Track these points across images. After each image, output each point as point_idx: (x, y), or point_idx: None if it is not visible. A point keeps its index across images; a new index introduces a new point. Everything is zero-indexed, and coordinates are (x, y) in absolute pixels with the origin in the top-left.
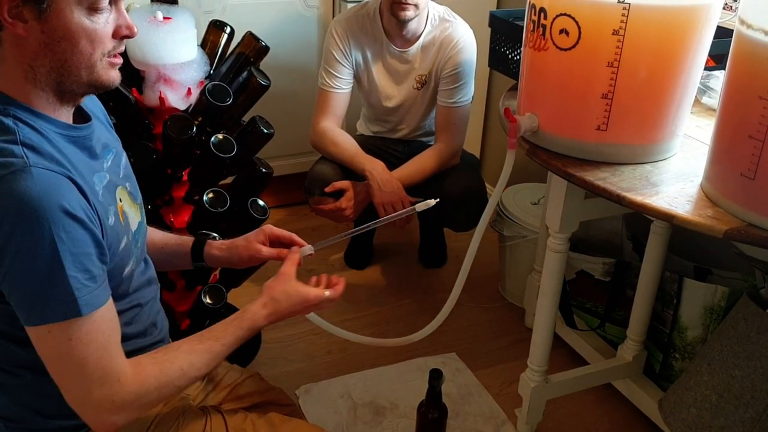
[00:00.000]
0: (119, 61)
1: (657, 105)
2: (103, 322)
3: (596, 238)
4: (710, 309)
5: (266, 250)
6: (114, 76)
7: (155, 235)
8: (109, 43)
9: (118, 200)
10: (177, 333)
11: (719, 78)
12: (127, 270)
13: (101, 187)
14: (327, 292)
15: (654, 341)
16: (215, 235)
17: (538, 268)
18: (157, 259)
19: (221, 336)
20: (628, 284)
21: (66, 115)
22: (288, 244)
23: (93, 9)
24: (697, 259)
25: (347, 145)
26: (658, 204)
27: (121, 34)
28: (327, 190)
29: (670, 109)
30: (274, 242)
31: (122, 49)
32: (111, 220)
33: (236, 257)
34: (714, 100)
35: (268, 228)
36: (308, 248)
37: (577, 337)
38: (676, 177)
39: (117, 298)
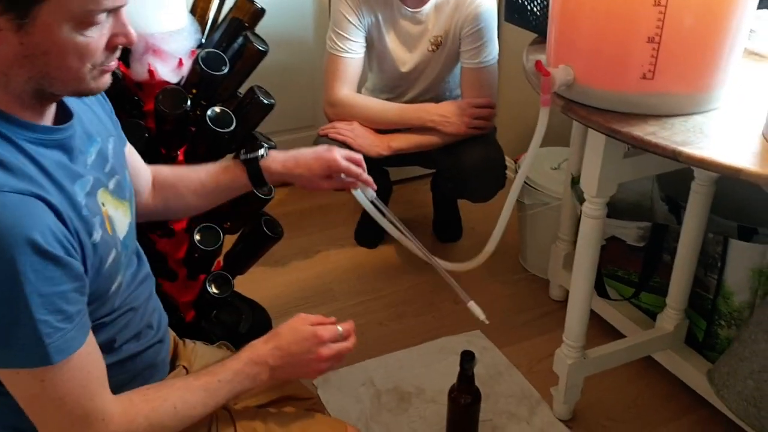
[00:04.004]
0: (113, 66)
1: (710, 48)
2: (81, 360)
3: (625, 201)
4: (759, 271)
5: (327, 184)
6: (105, 82)
7: (189, 174)
8: (102, 56)
9: (101, 205)
10: (182, 325)
11: (763, 20)
12: (115, 286)
13: (84, 195)
14: (340, 327)
15: (696, 309)
16: (261, 153)
17: (562, 236)
18: (198, 204)
19: (218, 371)
20: (665, 249)
21: (47, 114)
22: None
23: (86, 24)
24: (739, 218)
25: (387, 105)
26: (721, 158)
27: (116, 44)
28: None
29: (723, 53)
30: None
31: (116, 58)
32: (97, 235)
33: (297, 183)
34: (756, 43)
35: (334, 162)
36: (371, 193)
37: (609, 308)
38: (732, 127)
39: (103, 314)
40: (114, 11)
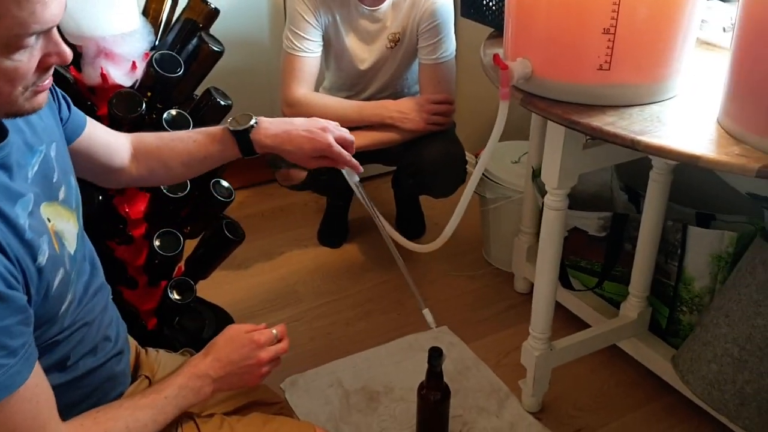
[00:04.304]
0: (48, 85)
1: (664, 38)
2: (28, 392)
3: (585, 192)
4: (717, 257)
5: (314, 163)
6: (40, 101)
7: (176, 144)
8: (34, 77)
9: (47, 221)
10: (144, 334)
11: (713, 10)
12: (65, 305)
13: (27, 216)
14: (274, 330)
15: (658, 296)
16: (252, 124)
17: (525, 229)
18: (185, 173)
19: (164, 388)
20: (626, 238)
21: None
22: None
23: (14, 48)
24: (697, 205)
25: (345, 103)
26: (678, 146)
27: (49, 64)
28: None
29: (677, 43)
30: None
31: (50, 77)
32: (43, 258)
33: (284, 156)
34: (707, 33)
35: (327, 147)
36: (355, 177)
37: (573, 298)
38: (688, 115)
39: (54, 334)
40: (45, 32)
